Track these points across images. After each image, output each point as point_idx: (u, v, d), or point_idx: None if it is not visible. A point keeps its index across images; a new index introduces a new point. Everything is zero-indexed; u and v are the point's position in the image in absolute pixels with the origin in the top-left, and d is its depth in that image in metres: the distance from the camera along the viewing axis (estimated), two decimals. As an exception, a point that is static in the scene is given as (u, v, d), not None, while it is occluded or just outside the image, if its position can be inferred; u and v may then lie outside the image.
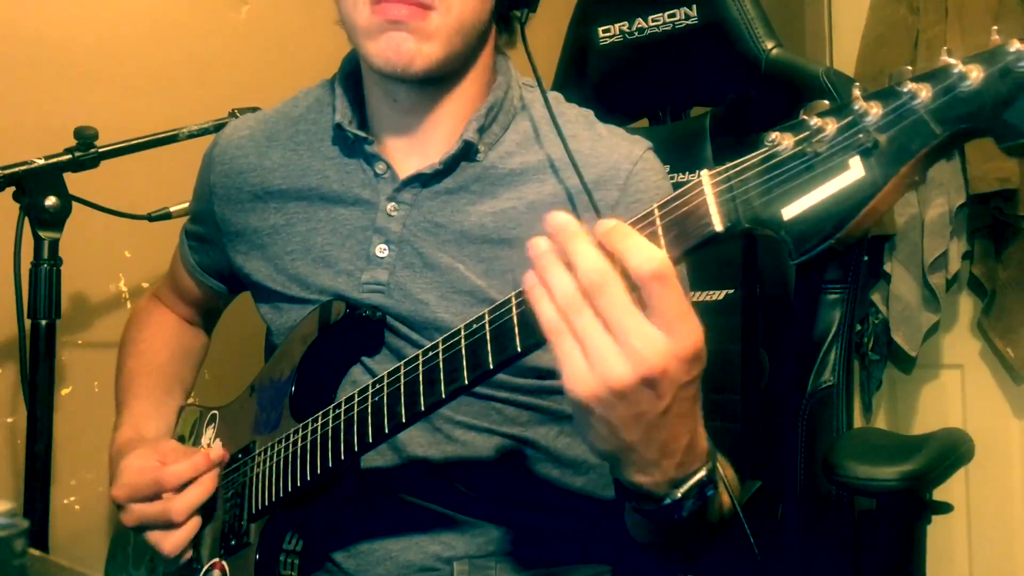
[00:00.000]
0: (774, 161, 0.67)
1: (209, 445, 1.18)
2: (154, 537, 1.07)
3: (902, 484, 1.12)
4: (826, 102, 0.66)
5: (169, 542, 1.06)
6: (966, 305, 2.55)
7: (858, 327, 2.43)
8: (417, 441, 1.03)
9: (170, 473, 1.05)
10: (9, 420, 1.58)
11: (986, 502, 2.46)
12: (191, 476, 1.05)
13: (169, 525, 1.05)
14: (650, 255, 0.67)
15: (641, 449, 0.73)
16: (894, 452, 1.16)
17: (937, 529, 1.20)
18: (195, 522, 1.07)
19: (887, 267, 2.43)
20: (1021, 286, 2.36)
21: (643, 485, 0.76)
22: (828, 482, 1.19)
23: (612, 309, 0.68)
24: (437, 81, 1.06)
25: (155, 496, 1.05)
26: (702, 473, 0.77)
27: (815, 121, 0.65)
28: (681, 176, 1.48)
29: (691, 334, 0.68)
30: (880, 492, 1.15)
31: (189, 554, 1.09)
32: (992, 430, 2.45)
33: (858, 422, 2.55)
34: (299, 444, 1.00)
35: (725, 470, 0.87)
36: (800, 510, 1.35)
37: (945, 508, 1.19)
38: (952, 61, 0.60)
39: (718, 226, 0.68)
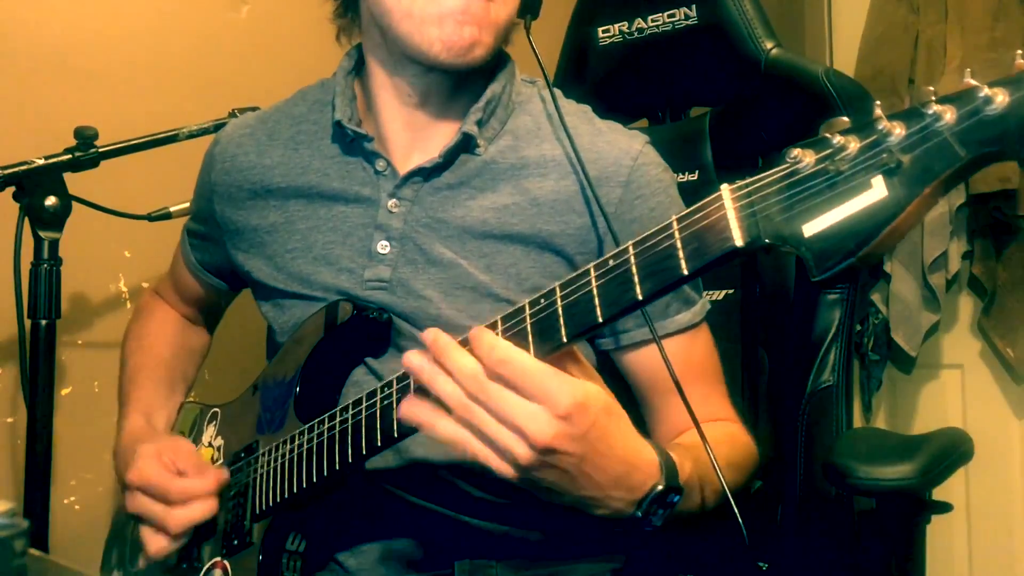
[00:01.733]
0: (796, 178, 0.67)
1: (210, 444, 1.18)
2: (146, 533, 1.08)
3: (902, 484, 1.12)
4: (846, 119, 0.66)
5: (156, 544, 1.07)
6: (966, 305, 2.55)
7: (858, 327, 2.43)
8: (419, 440, 1.03)
9: (179, 488, 1.06)
10: (9, 420, 1.58)
11: (986, 502, 2.46)
12: (198, 495, 1.06)
13: (162, 530, 1.06)
14: (491, 346, 0.78)
15: (584, 494, 0.82)
16: (894, 452, 1.16)
17: (937, 529, 1.20)
18: (186, 537, 1.07)
19: (887, 267, 2.43)
20: (1021, 286, 2.36)
21: (608, 516, 0.85)
22: (828, 482, 1.18)
23: (493, 402, 0.77)
24: (464, 73, 1.07)
25: (160, 498, 1.06)
26: (659, 488, 0.84)
27: (837, 139, 0.65)
28: (681, 176, 1.48)
29: (561, 392, 0.76)
30: (880, 492, 1.15)
31: (171, 559, 1.10)
32: (992, 430, 2.45)
33: (858, 422, 2.55)
34: (305, 446, 1.00)
35: (718, 449, 0.94)
36: (800, 510, 1.34)
37: (945, 508, 1.19)
38: (977, 84, 0.60)
39: (738, 241, 0.69)
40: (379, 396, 0.92)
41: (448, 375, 0.80)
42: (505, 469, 0.79)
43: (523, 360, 0.78)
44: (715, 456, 0.94)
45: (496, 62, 1.12)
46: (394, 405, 0.90)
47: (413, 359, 0.82)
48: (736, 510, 0.89)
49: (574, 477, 0.80)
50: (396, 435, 0.90)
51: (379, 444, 0.92)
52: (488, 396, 0.77)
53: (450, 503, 1.05)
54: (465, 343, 0.81)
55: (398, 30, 1.03)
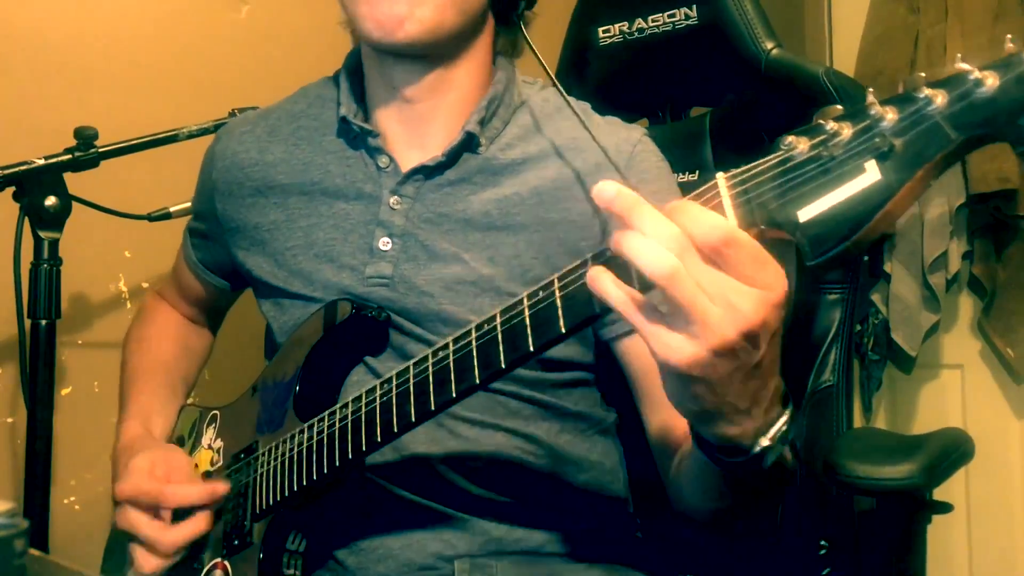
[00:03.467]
0: (790, 164, 0.67)
1: (210, 446, 1.17)
2: (137, 551, 1.06)
3: (902, 484, 1.12)
4: (839, 107, 0.67)
5: (148, 564, 1.05)
6: (966, 305, 2.55)
7: (858, 327, 2.43)
8: (419, 438, 1.03)
9: (172, 493, 1.04)
10: (9, 420, 1.58)
11: (986, 502, 2.46)
12: (193, 503, 1.05)
13: (155, 551, 1.05)
14: (713, 223, 0.66)
15: (736, 401, 0.72)
16: (894, 452, 1.16)
17: (937, 529, 1.20)
18: (180, 554, 1.06)
19: (887, 267, 2.43)
20: (1021, 286, 2.36)
21: (733, 437, 0.75)
22: (828, 482, 1.19)
23: (702, 273, 0.66)
24: (430, 59, 1.06)
25: (152, 508, 1.05)
26: (785, 417, 0.77)
27: (830, 125, 0.66)
28: (681, 176, 1.48)
29: (778, 279, 0.68)
30: (880, 492, 1.15)
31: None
32: (992, 430, 2.45)
33: (858, 422, 2.55)
34: (305, 444, 1.00)
35: None
36: (800, 510, 1.35)
37: (945, 508, 1.19)
38: (967, 67, 0.61)
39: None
40: (379, 392, 0.92)
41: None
42: (683, 352, 0.67)
43: (752, 243, 0.67)
44: None
45: (492, 64, 1.12)
46: (394, 401, 0.90)
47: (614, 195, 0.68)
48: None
49: (740, 380, 0.70)
50: (396, 430, 0.90)
51: (379, 440, 0.91)
52: (697, 266, 0.66)
53: (450, 501, 1.05)
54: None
55: (346, 11, 1.05)
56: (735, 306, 0.66)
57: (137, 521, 1.04)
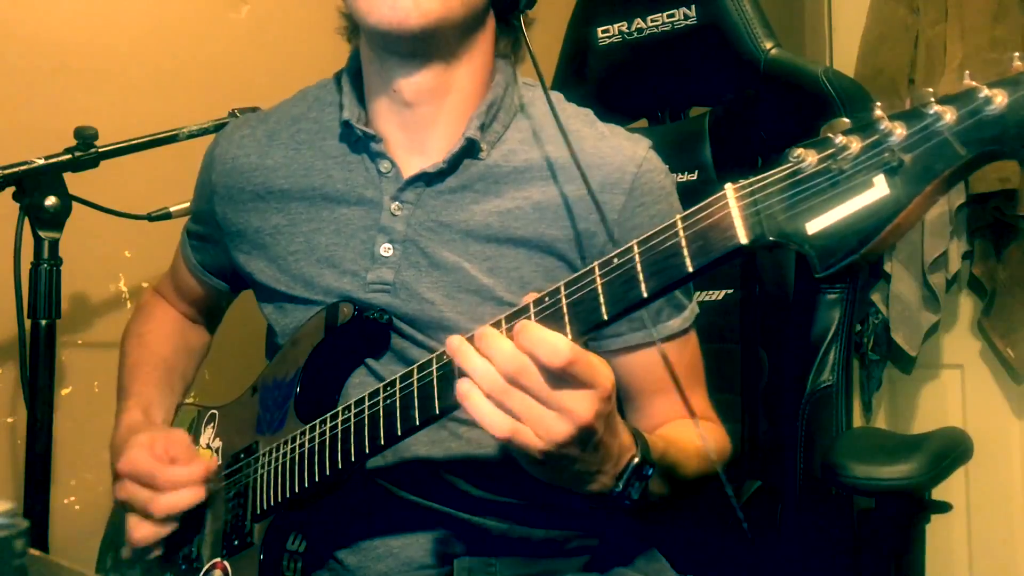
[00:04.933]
0: (799, 177, 0.68)
1: (208, 445, 1.18)
2: (131, 520, 1.08)
3: (901, 484, 1.12)
4: (847, 120, 0.67)
5: (139, 531, 1.07)
6: (966, 305, 2.55)
7: (858, 327, 2.43)
8: (421, 440, 1.03)
9: (167, 475, 1.05)
10: (9, 420, 1.58)
11: (986, 502, 2.46)
12: (186, 485, 1.06)
13: (147, 516, 1.06)
14: (555, 349, 0.77)
15: (582, 472, 0.84)
16: (894, 452, 1.16)
17: (937, 529, 1.20)
18: (171, 525, 1.07)
19: (887, 267, 2.43)
20: (1021, 286, 2.36)
21: (592, 491, 0.87)
22: (828, 482, 1.19)
23: (536, 387, 0.78)
24: (431, 58, 1.06)
25: (148, 486, 1.06)
26: (635, 460, 0.88)
27: (839, 139, 0.67)
28: (680, 176, 1.48)
29: (606, 375, 0.80)
30: (879, 492, 1.15)
31: (157, 552, 1.09)
32: (992, 430, 2.45)
33: (858, 422, 2.55)
34: (307, 446, 1.00)
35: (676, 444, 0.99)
36: (800, 510, 1.35)
37: (945, 508, 1.19)
38: (976, 84, 0.61)
39: (743, 239, 0.70)
40: (381, 396, 0.92)
41: (487, 358, 0.80)
42: (530, 449, 0.80)
43: (586, 357, 0.78)
44: (689, 448, 0.98)
45: (492, 66, 1.12)
46: (398, 404, 0.90)
47: (453, 339, 0.83)
48: (735, 503, 0.91)
49: (588, 454, 0.82)
50: (400, 434, 0.90)
51: (382, 443, 0.92)
52: (531, 380, 0.78)
53: (450, 501, 1.05)
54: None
55: (348, 4, 1.04)
56: (571, 410, 0.78)
57: (133, 491, 1.06)
